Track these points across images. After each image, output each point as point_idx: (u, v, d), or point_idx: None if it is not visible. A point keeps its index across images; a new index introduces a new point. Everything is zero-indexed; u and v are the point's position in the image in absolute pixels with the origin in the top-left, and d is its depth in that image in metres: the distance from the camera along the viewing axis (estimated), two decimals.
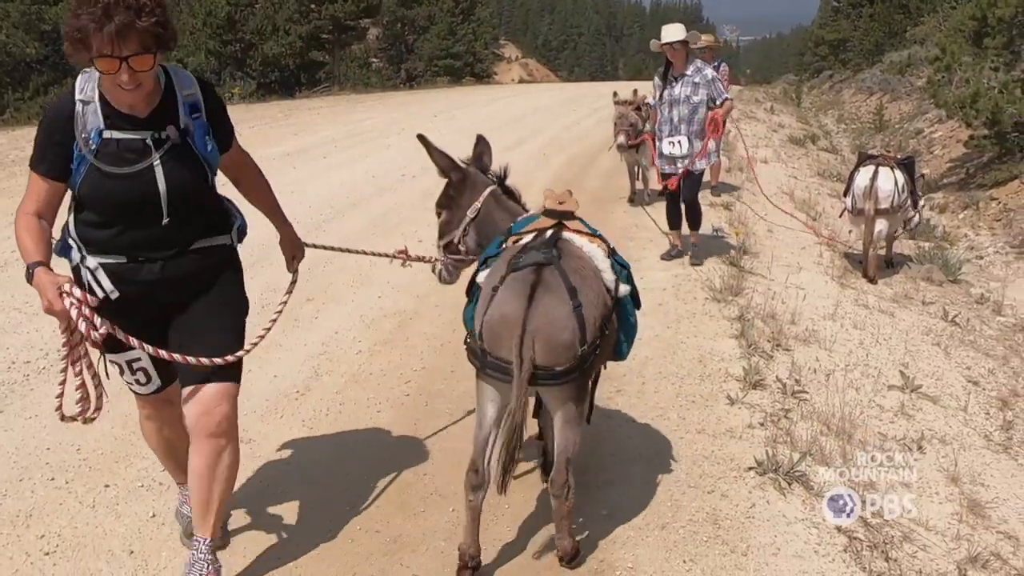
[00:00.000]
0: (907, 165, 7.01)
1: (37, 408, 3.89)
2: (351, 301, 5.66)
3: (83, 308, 2.25)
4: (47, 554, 2.89)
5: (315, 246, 3.23)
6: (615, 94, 8.66)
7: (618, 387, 4.35)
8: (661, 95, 6.50)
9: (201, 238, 2.56)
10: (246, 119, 17.25)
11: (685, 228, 6.82)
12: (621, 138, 8.04)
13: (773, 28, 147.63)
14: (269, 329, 2.88)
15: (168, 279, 2.51)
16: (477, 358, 2.70)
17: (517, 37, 78.31)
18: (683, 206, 6.66)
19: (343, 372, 4.52)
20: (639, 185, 8.98)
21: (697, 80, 6.31)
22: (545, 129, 15.46)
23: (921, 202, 7.28)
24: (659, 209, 7.66)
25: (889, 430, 4.22)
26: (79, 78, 2.36)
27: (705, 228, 7.05)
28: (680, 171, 6.43)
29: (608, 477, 3.48)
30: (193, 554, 2.60)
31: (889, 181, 6.65)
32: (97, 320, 2.28)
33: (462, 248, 3.28)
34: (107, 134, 2.33)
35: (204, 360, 2.46)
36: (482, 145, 3.39)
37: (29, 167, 2.38)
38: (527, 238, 2.91)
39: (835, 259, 7.36)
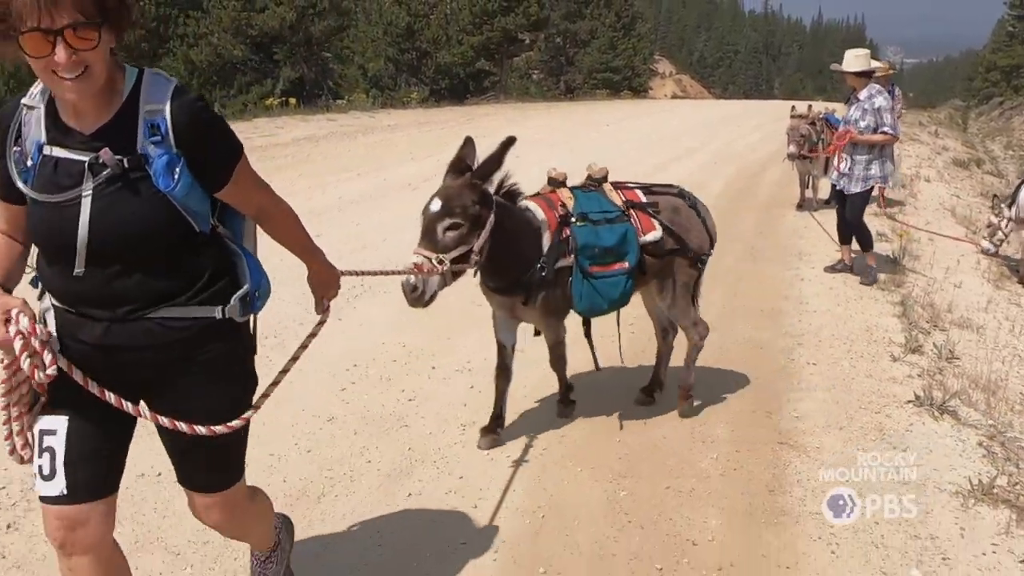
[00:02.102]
0: None
1: (366, 317, 5.36)
2: None
3: (31, 340, 1.79)
4: (410, 400, 4.28)
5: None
6: (793, 108, 9.59)
7: (798, 341, 5.43)
8: (846, 115, 6.99)
9: (160, 304, 1.93)
10: (432, 121, 19.07)
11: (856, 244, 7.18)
12: (791, 148, 8.91)
13: (940, 51, 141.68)
14: (284, 373, 2.36)
15: (113, 348, 1.92)
16: (703, 262, 4.06)
17: (672, 53, 78.83)
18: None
19: None
20: (808, 193, 9.89)
21: (866, 107, 6.60)
22: (711, 142, 16.47)
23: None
24: (825, 215, 8.60)
25: None
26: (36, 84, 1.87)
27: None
28: (846, 188, 6.80)
29: (796, 397, 4.56)
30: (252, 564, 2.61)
31: None
32: (47, 358, 1.82)
33: (476, 258, 3.30)
34: (47, 150, 1.82)
35: (199, 428, 1.97)
36: (469, 147, 3.39)
37: None
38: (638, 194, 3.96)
39: (992, 266, 8.09)
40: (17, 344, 1.77)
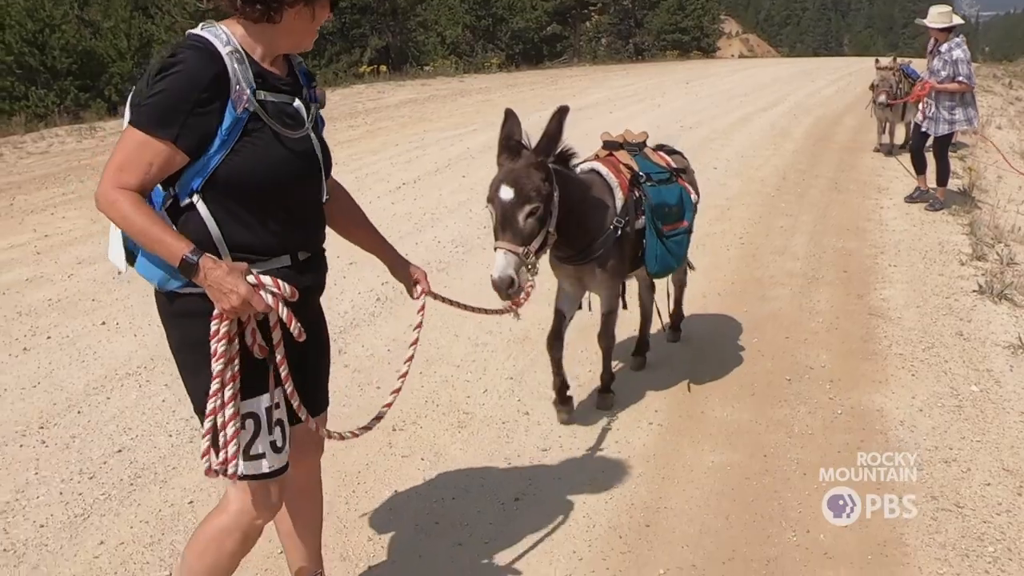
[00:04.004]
0: None
1: None
2: None
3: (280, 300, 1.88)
4: None
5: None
6: (877, 60, 10.54)
7: (881, 250, 6.60)
8: (927, 65, 7.90)
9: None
10: (519, 84, 20.25)
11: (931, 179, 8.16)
12: (882, 97, 9.83)
13: (1019, 2, 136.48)
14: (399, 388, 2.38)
15: (320, 285, 2.14)
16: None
17: (738, 12, 78.30)
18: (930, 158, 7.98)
19: None
20: (884, 139, 10.89)
21: (947, 58, 7.41)
22: (789, 96, 17.41)
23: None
24: (904, 157, 9.61)
25: None
26: (209, 31, 1.90)
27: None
28: (933, 131, 7.68)
29: (881, 286, 5.74)
30: None
31: None
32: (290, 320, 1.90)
33: (552, 237, 3.18)
34: (260, 95, 1.91)
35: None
36: (513, 121, 3.16)
37: (138, 128, 1.81)
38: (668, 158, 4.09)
39: None
40: (282, 310, 1.88)
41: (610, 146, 3.85)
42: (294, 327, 1.88)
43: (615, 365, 4.18)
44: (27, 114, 14.66)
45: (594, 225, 3.43)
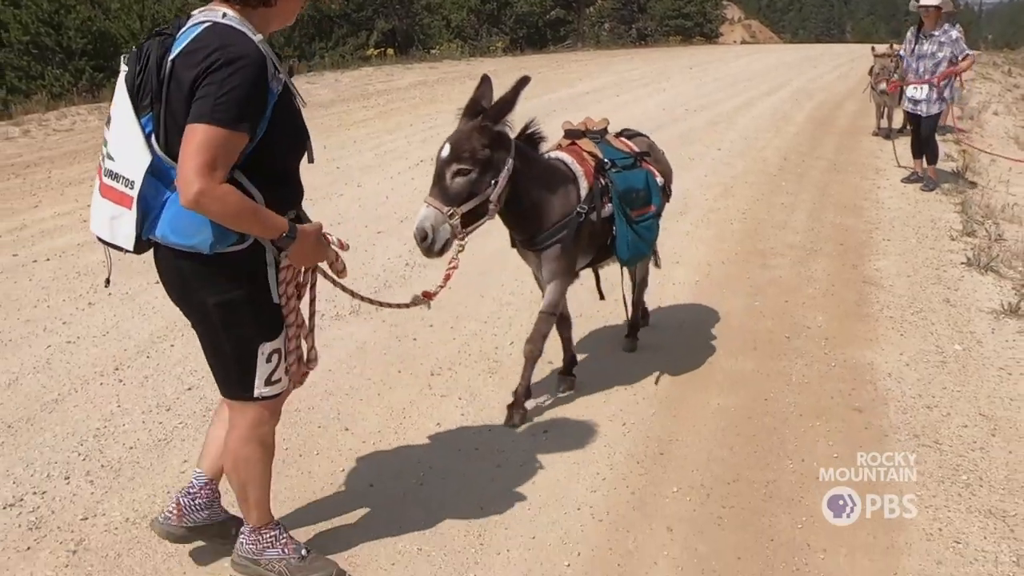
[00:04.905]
0: None
1: None
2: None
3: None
4: None
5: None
6: (873, 48, 10.89)
7: (876, 226, 6.99)
8: (912, 49, 8.18)
9: None
10: (525, 67, 20.33)
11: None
12: (883, 85, 10.16)
13: None
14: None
15: None
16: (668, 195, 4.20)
17: None
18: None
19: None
20: (883, 123, 11.25)
21: (943, 40, 7.77)
22: (792, 81, 17.78)
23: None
24: (900, 141, 9.98)
25: None
26: (232, 21, 2.08)
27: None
28: (918, 110, 8.12)
29: (875, 257, 6.14)
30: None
31: None
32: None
33: (493, 207, 3.15)
34: (281, 74, 2.14)
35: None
36: (485, 86, 3.21)
37: (222, 126, 1.97)
38: (630, 143, 4.04)
39: None
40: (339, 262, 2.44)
41: (572, 135, 3.86)
42: (340, 264, 2.44)
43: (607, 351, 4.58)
44: (45, 93, 15.00)
45: (552, 211, 3.42)
